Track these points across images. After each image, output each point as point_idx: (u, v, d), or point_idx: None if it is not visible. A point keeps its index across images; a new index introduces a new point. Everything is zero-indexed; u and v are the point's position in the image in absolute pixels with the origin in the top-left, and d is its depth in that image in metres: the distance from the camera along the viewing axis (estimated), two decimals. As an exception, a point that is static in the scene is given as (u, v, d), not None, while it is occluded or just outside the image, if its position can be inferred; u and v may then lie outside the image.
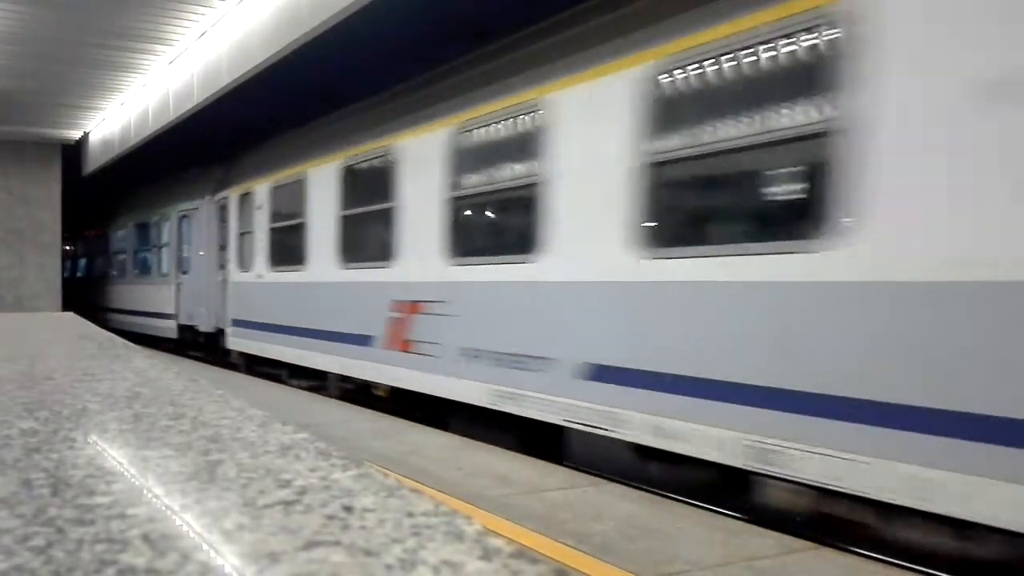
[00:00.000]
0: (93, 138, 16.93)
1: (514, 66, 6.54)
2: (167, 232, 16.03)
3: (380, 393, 8.37)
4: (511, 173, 6.35)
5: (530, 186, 6.02)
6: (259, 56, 8.94)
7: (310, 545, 0.88)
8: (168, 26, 10.03)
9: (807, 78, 4.20)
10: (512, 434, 6.34)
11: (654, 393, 4.95)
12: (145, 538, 0.90)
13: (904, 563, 3.81)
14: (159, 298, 16.36)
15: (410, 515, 1.00)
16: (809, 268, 4.15)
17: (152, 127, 13.04)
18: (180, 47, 10.87)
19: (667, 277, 4.94)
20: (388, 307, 7.82)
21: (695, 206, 5.30)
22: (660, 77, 5.06)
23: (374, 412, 7.77)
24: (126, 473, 1.23)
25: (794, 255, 4.23)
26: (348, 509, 1.03)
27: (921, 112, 3.73)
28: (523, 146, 6.23)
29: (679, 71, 4.95)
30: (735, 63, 4.65)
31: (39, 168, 17.68)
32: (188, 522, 0.98)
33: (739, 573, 3.45)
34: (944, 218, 3.62)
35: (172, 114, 12.02)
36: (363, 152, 8.35)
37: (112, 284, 20.33)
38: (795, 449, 4.11)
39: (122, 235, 19.58)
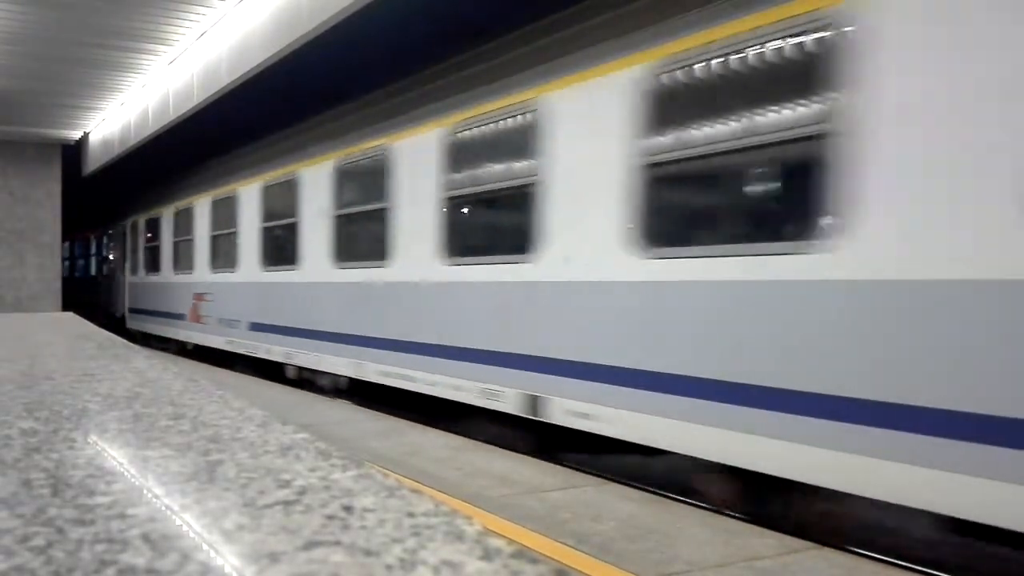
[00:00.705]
0: (93, 138, 16.92)
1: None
2: (94, 245, 23.86)
3: (189, 347, 14.15)
4: (225, 226, 12.01)
5: (231, 234, 11.73)
6: (259, 56, 8.94)
7: (310, 545, 0.88)
8: (168, 26, 10.02)
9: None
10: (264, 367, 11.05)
11: (264, 334, 10.61)
12: (145, 538, 0.90)
13: (903, 563, 3.81)
14: (91, 292, 23.53)
15: (410, 515, 1.00)
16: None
17: (152, 127, 13.04)
18: (180, 47, 10.86)
19: (268, 280, 10.62)
20: (191, 297, 13.69)
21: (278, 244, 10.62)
22: None
23: (375, 412, 7.78)
24: (126, 473, 1.22)
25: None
26: (348, 509, 1.02)
27: None
28: (231, 207, 11.79)
29: None
30: None
31: (39, 168, 17.66)
32: (188, 522, 0.98)
33: (740, 573, 3.45)
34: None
35: (172, 114, 12.02)
36: (184, 204, 14.15)
37: (68, 283, 27.35)
38: (299, 352, 9.64)
39: (71, 244, 27.37)
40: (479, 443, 6.25)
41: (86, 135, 17.02)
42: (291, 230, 9.78)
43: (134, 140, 14.06)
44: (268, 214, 10.55)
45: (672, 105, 4.96)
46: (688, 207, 5.22)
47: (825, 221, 4.04)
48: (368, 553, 0.86)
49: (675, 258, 4.82)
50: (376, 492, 1.11)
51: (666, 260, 4.87)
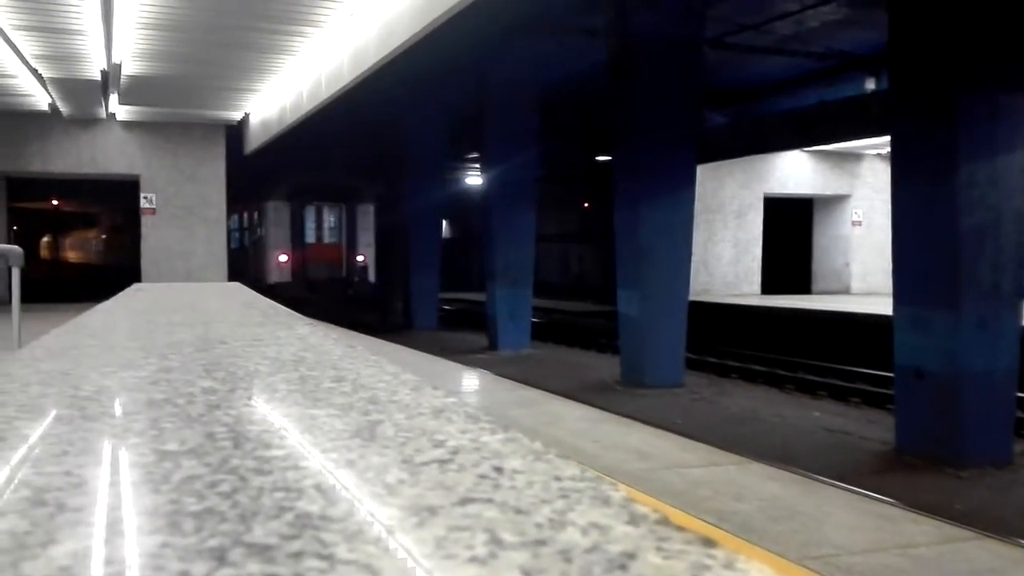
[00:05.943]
0: (253, 119, 17.95)
1: None
2: None
3: None
4: None
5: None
6: (405, 33, 9.18)
7: (465, 501, 0.94)
8: (319, 8, 10.47)
9: None
10: None
11: None
12: (318, 488, 0.98)
13: None
14: None
15: (557, 479, 1.03)
16: None
17: (307, 106, 13.67)
18: (330, 28, 11.32)
19: None
20: None
21: None
22: None
23: (515, 383, 7.93)
24: (296, 429, 1.33)
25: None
26: (498, 470, 1.07)
27: None
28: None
29: None
30: None
31: (206, 148, 18.98)
32: (354, 475, 1.05)
33: (892, 560, 3.31)
34: None
35: (324, 93, 12.56)
36: None
37: None
38: None
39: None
40: (617, 416, 6.26)
41: (247, 116, 18.08)
42: None
43: (291, 119, 14.81)
44: None
45: None
46: None
47: None
48: (519, 512, 0.90)
49: None
50: (524, 455, 1.15)
51: None
